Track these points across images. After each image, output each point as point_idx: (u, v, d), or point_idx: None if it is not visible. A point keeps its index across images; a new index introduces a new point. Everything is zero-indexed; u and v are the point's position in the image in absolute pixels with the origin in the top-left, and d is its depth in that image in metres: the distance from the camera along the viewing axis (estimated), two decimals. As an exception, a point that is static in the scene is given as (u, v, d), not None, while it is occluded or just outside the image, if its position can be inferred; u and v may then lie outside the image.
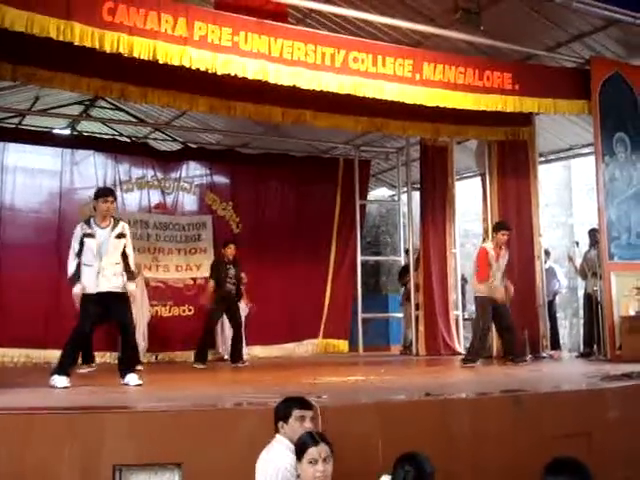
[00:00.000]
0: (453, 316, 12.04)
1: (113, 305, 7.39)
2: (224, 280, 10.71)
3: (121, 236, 7.52)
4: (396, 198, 14.62)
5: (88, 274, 7.28)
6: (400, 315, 13.56)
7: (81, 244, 7.31)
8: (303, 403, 4.37)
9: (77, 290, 7.23)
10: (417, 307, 12.20)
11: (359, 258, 13.59)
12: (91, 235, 7.34)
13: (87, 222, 7.44)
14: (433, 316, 11.81)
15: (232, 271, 10.80)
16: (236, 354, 10.74)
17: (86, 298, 7.27)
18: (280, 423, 4.30)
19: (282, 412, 4.32)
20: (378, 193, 16.24)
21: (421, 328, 11.94)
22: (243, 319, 11.75)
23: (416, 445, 4.10)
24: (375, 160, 14.76)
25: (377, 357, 12.35)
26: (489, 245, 9.88)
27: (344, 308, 13.58)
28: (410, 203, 13.11)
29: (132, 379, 7.31)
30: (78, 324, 7.30)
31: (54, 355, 9.87)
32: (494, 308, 9.62)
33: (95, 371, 9.41)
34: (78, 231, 7.39)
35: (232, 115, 9.86)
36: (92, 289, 7.28)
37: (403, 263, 13.89)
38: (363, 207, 14.16)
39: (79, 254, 7.29)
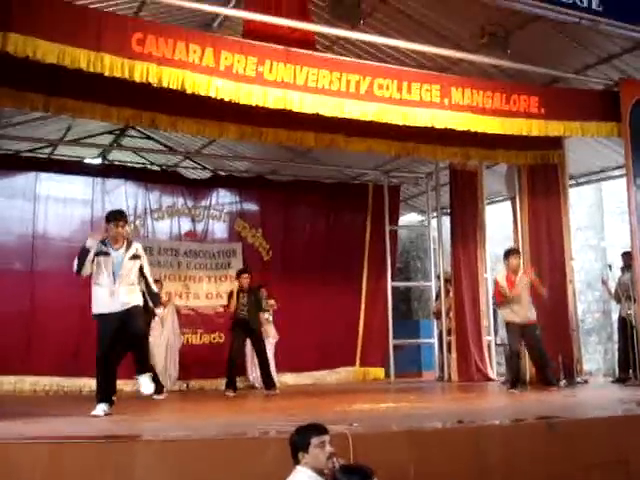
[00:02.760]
0: (485, 341, 11.94)
1: (125, 319, 7.28)
2: (236, 308, 10.74)
3: (135, 257, 7.46)
4: (426, 223, 14.55)
5: (101, 295, 7.25)
6: (432, 341, 13.47)
7: (93, 261, 7.26)
8: (319, 429, 4.30)
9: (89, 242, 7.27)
10: (449, 332, 12.14)
11: (390, 283, 13.52)
12: (106, 253, 7.30)
13: (103, 242, 7.38)
14: (465, 342, 11.72)
15: (245, 299, 10.80)
16: (266, 380, 10.74)
17: (100, 319, 7.24)
18: (300, 454, 4.22)
19: (300, 443, 4.24)
20: (408, 218, 16.19)
21: (453, 354, 11.87)
22: (272, 346, 11.78)
23: (448, 473, 4.05)
24: (404, 185, 14.71)
25: (409, 384, 12.26)
26: (500, 276, 10.15)
27: (379, 335, 13.45)
28: (440, 228, 13.07)
29: (145, 383, 7.27)
30: (97, 348, 7.26)
31: (86, 383, 9.94)
32: (523, 333, 9.69)
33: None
34: (95, 245, 7.32)
35: (263, 141, 9.88)
36: (104, 309, 7.24)
37: (434, 289, 13.82)
38: (394, 233, 14.10)
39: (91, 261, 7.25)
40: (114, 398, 7.42)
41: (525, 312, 9.77)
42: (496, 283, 10.15)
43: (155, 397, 9.63)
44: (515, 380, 9.78)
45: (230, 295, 10.99)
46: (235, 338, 10.75)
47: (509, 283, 9.90)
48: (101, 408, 7.10)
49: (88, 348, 9.33)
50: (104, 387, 7.30)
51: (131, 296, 7.35)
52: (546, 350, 9.83)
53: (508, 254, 10.10)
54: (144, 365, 7.45)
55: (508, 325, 9.93)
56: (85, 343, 10.56)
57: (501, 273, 10.23)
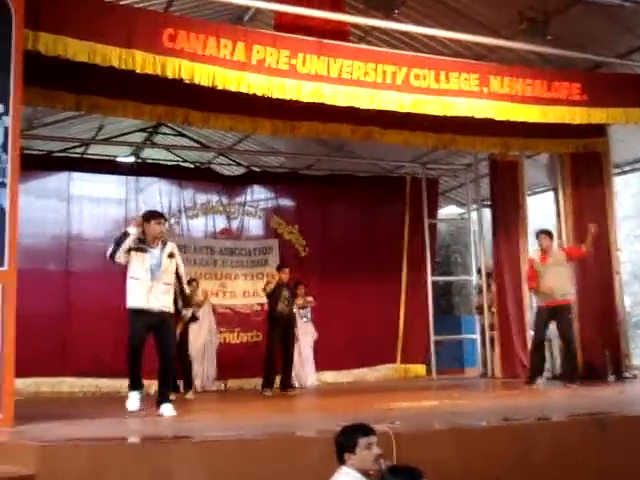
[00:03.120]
0: (529, 336, 11.78)
1: (159, 326, 7.37)
2: (276, 302, 10.75)
3: (171, 256, 7.51)
4: (466, 216, 14.45)
5: (138, 289, 7.28)
6: (474, 336, 13.39)
7: (129, 252, 7.31)
8: (366, 430, 4.25)
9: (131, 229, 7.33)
10: (491, 328, 12.05)
11: (430, 278, 13.46)
12: (143, 250, 7.34)
13: (140, 239, 7.41)
14: (509, 337, 11.62)
15: (286, 293, 10.85)
16: (284, 379, 10.76)
17: (134, 313, 7.29)
18: (346, 455, 4.17)
19: (347, 443, 4.19)
20: (447, 211, 16.09)
21: (497, 349, 11.79)
22: (312, 344, 11.81)
23: (493, 472, 4.00)
24: (443, 178, 14.64)
25: (451, 380, 12.20)
26: (533, 253, 10.24)
27: (421, 331, 13.39)
28: (481, 221, 12.98)
29: (167, 410, 7.28)
30: (129, 341, 7.36)
31: (123, 384, 9.99)
32: (553, 314, 9.71)
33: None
34: (136, 232, 7.37)
35: (298, 135, 9.89)
36: (141, 304, 7.27)
37: (475, 283, 13.72)
38: (433, 226, 14.03)
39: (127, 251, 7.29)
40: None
41: (557, 290, 9.69)
42: (529, 262, 10.25)
43: (187, 397, 9.74)
44: (535, 373, 9.77)
45: (268, 283, 11.04)
46: (273, 334, 10.74)
47: (541, 258, 9.93)
48: (135, 397, 7.34)
49: (124, 348, 9.41)
50: (136, 375, 7.48)
51: (167, 297, 7.43)
52: (589, 342, 9.70)
53: (538, 235, 10.10)
54: (165, 394, 7.51)
55: (538, 310, 10.00)
56: (121, 343, 10.66)
57: (533, 253, 10.33)
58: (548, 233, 10.11)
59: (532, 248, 12.19)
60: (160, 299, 7.34)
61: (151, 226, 7.45)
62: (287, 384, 10.73)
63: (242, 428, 5.98)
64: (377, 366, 13.30)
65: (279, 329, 10.71)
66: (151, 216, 7.56)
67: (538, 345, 9.91)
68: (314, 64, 7.80)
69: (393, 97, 8.17)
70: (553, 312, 9.74)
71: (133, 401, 7.41)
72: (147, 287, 7.28)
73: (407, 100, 8.24)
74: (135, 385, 7.46)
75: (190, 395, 10.09)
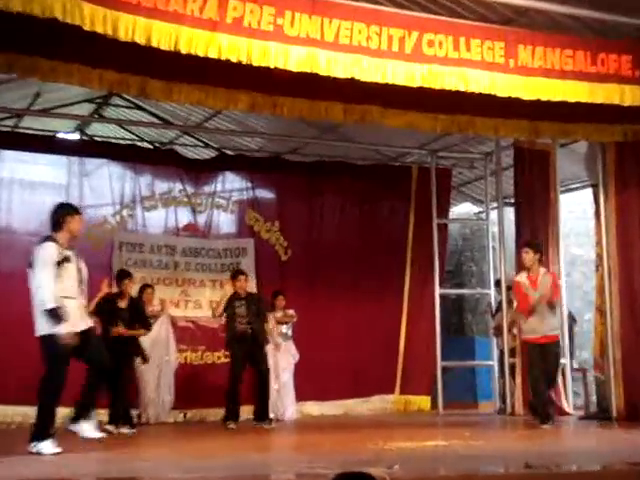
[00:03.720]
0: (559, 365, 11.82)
1: (87, 341, 7.40)
2: (233, 319, 10.79)
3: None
4: (484, 216, 14.46)
5: (71, 309, 7.24)
6: (490, 363, 13.40)
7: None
8: None
9: (64, 331, 7.11)
10: (512, 353, 12.04)
11: (437, 291, 13.46)
12: (68, 259, 7.28)
13: (54, 240, 7.33)
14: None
15: (243, 309, 10.82)
16: (260, 410, 10.74)
17: (61, 339, 7.16)
18: None
19: None
20: (461, 210, 16.10)
21: (518, 380, 11.77)
22: (292, 368, 11.80)
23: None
24: (457, 169, 14.66)
25: (462, 416, 12.24)
26: (519, 276, 10.45)
27: (424, 355, 13.43)
28: (502, 222, 12.96)
29: (85, 429, 7.43)
30: (51, 372, 7.19)
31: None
32: (542, 351, 9.98)
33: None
34: (52, 250, 7.24)
35: (279, 114, 9.81)
36: (73, 327, 7.23)
37: (493, 298, 13.75)
38: (443, 227, 14.07)
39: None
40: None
41: (545, 323, 9.99)
42: (516, 285, 10.39)
43: (125, 431, 9.65)
44: (545, 413, 9.92)
45: (218, 305, 11.10)
46: (234, 357, 10.79)
47: (531, 282, 10.11)
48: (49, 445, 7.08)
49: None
50: (49, 420, 7.24)
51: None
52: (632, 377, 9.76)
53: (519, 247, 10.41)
54: (87, 408, 7.68)
55: (529, 342, 10.18)
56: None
57: (520, 274, 10.48)
58: (531, 246, 10.37)
59: (564, 257, 12.28)
60: (84, 316, 7.55)
61: (74, 221, 7.47)
62: (263, 415, 10.70)
63: (204, 469, 5.96)
64: (372, 397, 13.36)
65: (241, 352, 10.72)
66: (72, 209, 7.62)
67: (538, 380, 10.09)
68: (305, 25, 7.71)
69: (403, 68, 8.11)
70: (542, 345, 10.02)
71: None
72: (77, 305, 7.36)
73: (419, 72, 8.18)
74: (42, 434, 7.19)
75: (127, 430, 9.91)
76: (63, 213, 7.48)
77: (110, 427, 9.52)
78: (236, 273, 11.27)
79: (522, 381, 11.67)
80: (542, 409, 10.03)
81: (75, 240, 7.62)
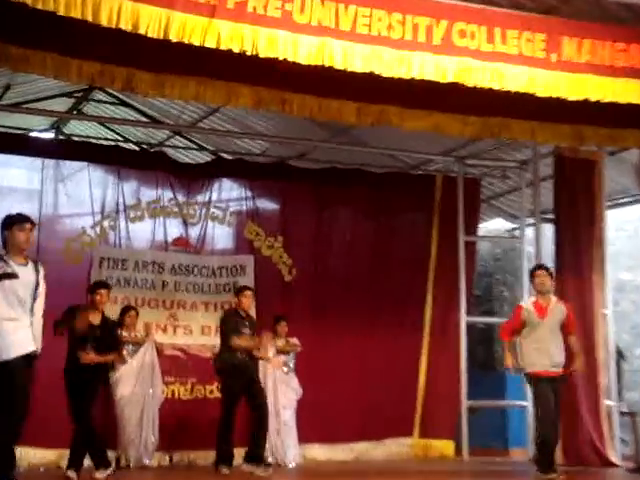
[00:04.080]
0: (604, 408, 11.69)
1: (28, 371, 7.34)
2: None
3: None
4: (518, 233, 14.38)
5: (11, 330, 7.18)
6: (524, 403, 13.26)
7: None
8: None
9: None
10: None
11: (464, 319, 13.38)
12: (12, 275, 7.26)
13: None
14: (574, 407, 11.53)
15: (247, 332, 10.71)
16: (255, 452, 10.45)
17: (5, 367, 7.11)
18: None
19: None
20: (491, 226, 16.07)
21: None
22: (294, 405, 11.70)
23: None
24: (487, 179, 14.64)
25: (490, 465, 12.14)
26: (527, 299, 10.62)
27: (448, 393, 13.34)
28: (539, 241, 12.89)
29: None
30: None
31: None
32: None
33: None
34: None
35: (287, 112, 9.78)
36: (17, 351, 7.15)
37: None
38: (471, 245, 14.05)
39: None
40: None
41: (556, 355, 9.93)
42: (516, 309, 10.51)
43: (97, 475, 9.49)
44: (549, 460, 9.83)
45: (223, 321, 10.93)
46: (229, 389, 10.60)
47: (537, 309, 10.04)
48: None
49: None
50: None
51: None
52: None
53: (532, 271, 10.41)
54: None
55: (534, 376, 10.01)
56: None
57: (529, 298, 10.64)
58: (547, 270, 10.34)
59: (612, 284, 12.19)
60: (36, 337, 7.40)
61: (15, 233, 7.44)
62: (258, 458, 10.43)
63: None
64: (386, 440, 13.21)
65: (239, 384, 10.57)
66: (13, 220, 7.57)
67: (552, 421, 9.98)
68: (317, 11, 7.65)
69: (430, 62, 8.05)
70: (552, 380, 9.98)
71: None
72: (21, 325, 7.27)
73: (451, 67, 8.11)
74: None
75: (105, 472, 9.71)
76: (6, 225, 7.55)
77: (71, 473, 9.34)
78: (243, 288, 11.14)
79: (561, 425, 11.53)
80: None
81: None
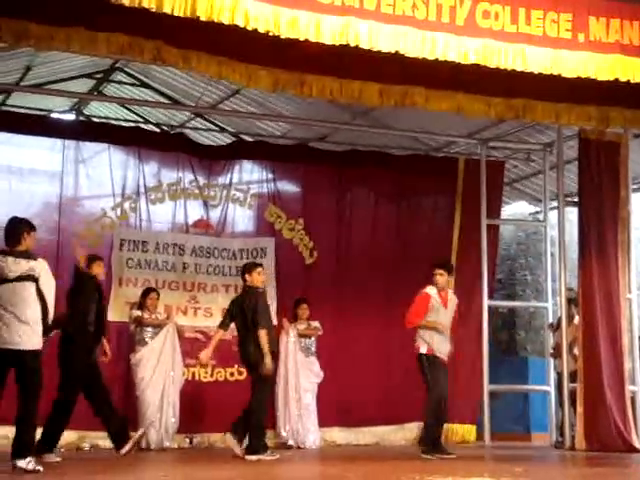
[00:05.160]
0: (629, 393, 11.64)
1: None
2: (271, 327, 10.28)
3: None
4: (541, 217, 14.34)
5: None
6: (546, 388, 13.24)
7: None
8: None
9: None
10: (573, 378, 11.86)
11: (486, 303, 13.37)
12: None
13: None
14: (598, 392, 11.44)
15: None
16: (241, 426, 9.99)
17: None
18: None
19: None
20: (515, 209, 16.04)
21: (579, 409, 11.60)
22: (314, 388, 11.70)
23: None
24: (511, 161, 14.63)
25: (512, 450, 12.09)
26: (431, 288, 10.82)
27: (470, 378, 13.37)
28: (562, 225, 12.81)
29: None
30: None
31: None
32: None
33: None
34: None
35: (306, 95, 9.81)
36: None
37: (551, 313, 13.61)
38: (494, 229, 14.03)
39: None
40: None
41: (448, 345, 10.75)
42: (424, 296, 10.75)
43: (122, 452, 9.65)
44: (433, 440, 10.22)
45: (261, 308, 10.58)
46: (267, 380, 10.22)
47: (442, 300, 10.70)
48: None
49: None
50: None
51: None
52: None
53: (433, 268, 10.83)
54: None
55: (431, 358, 10.61)
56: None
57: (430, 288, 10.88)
58: (445, 267, 10.84)
59: (636, 268, 12.11)
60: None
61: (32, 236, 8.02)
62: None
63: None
64: (407, 424, 13.23)
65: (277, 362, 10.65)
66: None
67: (445, 402, 10.57)
68: (342, -9, 7.65)
69: (454, 43, 8.02)
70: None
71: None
72: None
73: (473, 47, 8.09)
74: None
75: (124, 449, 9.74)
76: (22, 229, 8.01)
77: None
78: (253, 265, 10.58)
79: (584, 410, 11.51)
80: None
81: None
